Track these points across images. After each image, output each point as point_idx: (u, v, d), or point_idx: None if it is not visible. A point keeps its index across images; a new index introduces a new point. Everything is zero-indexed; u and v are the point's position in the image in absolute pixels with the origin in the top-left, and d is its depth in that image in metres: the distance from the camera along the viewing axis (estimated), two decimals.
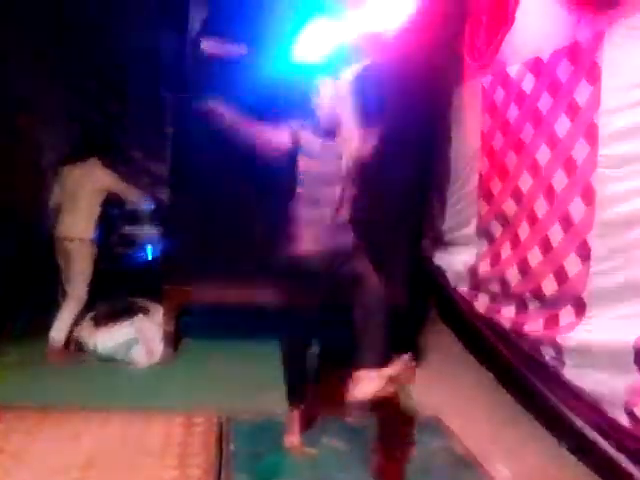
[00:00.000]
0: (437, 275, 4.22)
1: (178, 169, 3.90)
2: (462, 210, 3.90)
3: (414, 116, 3.88)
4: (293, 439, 2.69)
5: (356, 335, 2.38)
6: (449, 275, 4.02)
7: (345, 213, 2.65)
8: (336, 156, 2.63)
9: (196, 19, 3.74)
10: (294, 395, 2.69)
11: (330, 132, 2.65)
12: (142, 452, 2.56)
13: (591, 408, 2.52)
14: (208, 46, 3.59)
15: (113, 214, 4.21)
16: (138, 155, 4.94)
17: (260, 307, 3.68)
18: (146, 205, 4.48)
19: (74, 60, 4.51)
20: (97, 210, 3.78)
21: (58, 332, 3.63)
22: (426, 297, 4.56)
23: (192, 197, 3.71)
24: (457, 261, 3.92)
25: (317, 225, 2.58)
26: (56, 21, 4.39)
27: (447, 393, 3.52)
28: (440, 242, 4.24)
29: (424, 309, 4.64)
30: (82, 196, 3.71)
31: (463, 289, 3.78)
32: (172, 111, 4.52)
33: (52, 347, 3.62)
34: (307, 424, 2.81)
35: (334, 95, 2.65)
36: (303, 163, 2.61)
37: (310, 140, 2.63)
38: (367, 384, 2.20)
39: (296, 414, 2.71)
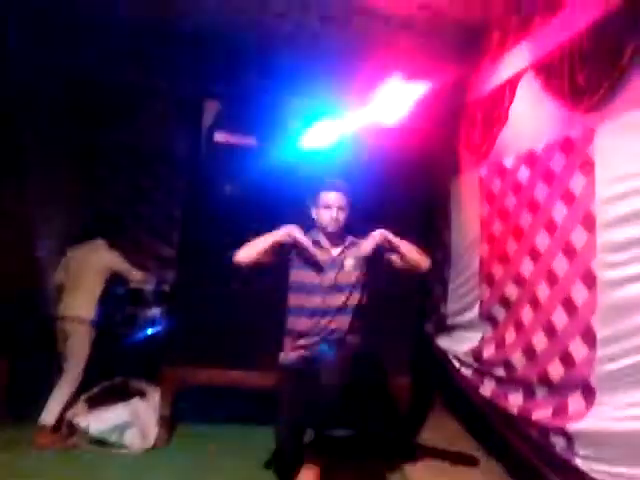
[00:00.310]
0: (441, 359, 4.15)
1: (186, 253, 3.99)
2: (465, 294, 3.93)
3: (414, 203, 4.03)
4: None
5: None
6: (453, 359, 3.96)
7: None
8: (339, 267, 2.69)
9: (210, 114, 3.97)
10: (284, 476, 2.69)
11: (333, 237, 2.72)
12: None
13: None
14: (221, 137, 3.81)
15: (117, 293, 4.21)
16: (147, 239, 5.07)
17: (259, 391, 3.66)
18: (150, 286, 4.51)
19: (92, 150, 4.73)
20: (99, 291, 3.80)
21: (49, 413, 3.51)
22: (431, 382, 4.46)
23: (198, 280, 3.77)
24: (461, 345, 3.88)
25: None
26: (75, 112, 4.64)
27: None
28: (443, 326, 4.22)
29: (429, 394, 4.53)
30: (85, 276, 3.75)
31: (468, 373, 3.71)
32: (183, 197, 4.72)
33: (41, 429, 3.49)
34: None
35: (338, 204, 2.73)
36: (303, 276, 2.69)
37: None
38: None
39: None
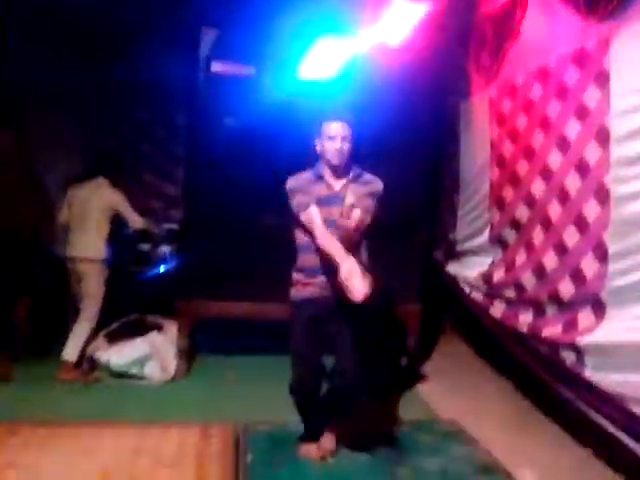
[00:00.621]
0: (451, 285, 4.19)
1: (192, 189, 3.96)
2: (474, 219, 3.91)
3: (422, 128, 3.94)
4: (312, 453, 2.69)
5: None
6: (463, 284, 3.99)
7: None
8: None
9: (207, 42, 3.81)
10: (309, 433, 2.74)
11: (338, 170, 2.64)
12: (158, 463, 2.52)
13: (616, 409, 2.46)
14: (218, 67, 3.67)
15: (126, 233, 4.23)
16: (151, 178, 5.03)
17: (273, 322, 3.72)
18: (153, 229, 4.49)
19: (89, 89, 4.61)
20: (106, 229, 3.78)
21: (70, 351, 3.62)
22: (440, 307, 4.53)
23: (206, 215, 3.75)
24: (471, 270, 3.90)
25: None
26: (70, 50, 4.48)
27: (465, 402, 3.48)
28: (453, 252, 4.23)
29: (439, 319, 4.62)
30: (89, 215, 3.74)
31: (478, 296, 3.75)
32: (185, 134, 4.64)
33: (64, 366, 3.61)
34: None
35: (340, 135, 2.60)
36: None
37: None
38: None
39: (311, 447, 2.71)
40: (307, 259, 2.66)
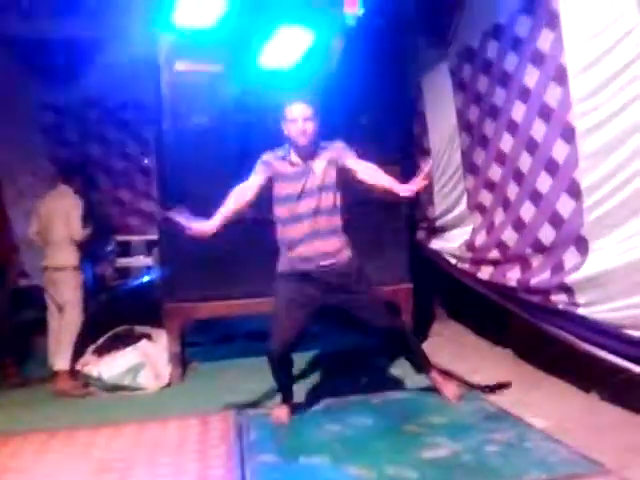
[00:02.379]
0: (437, 260, 4.20)
1: (166, 196, 3.92)
2: (450, 191, 3.95)
3: (388, 107, 4.00)
4: (282, 415, 2.76)
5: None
6: (449, 257, 4.01)
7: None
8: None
9: (166, 47, 3.82)
10: (286, 395, 2.86)
11: (304, 150, 2.69)
12: (159, 452, 2.44)
13: (614, 339, 2.46)
14: (181, 66, 3.70)
15: (105, 249, 4.18)
16: (128, 196, 5.02)
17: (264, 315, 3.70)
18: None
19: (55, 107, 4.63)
20: (78, 235, 3.68)
21: (61, 360, 3.54)
22: (430, 287, 4.52)
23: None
24: (454, 242, 3.93)
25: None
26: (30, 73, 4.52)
27: (466, 370, 3.44)
28: (434, 229, 4.26)
29: (429, 299, 4.61)
30: (55, 224, 3.69)
31: (465, 265, 3.76)
32: (154, 143, 4.65)
33: (58, 375, 3.53)
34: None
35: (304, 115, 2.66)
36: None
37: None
38: None
39: (286, 408, 2.82)
40: (284, 231, 2.74)
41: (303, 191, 2.67)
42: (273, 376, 2.77)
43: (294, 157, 2.73)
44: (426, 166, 2.59)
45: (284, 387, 2.83)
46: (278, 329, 2.66)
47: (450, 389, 2.92)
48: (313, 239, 2.66)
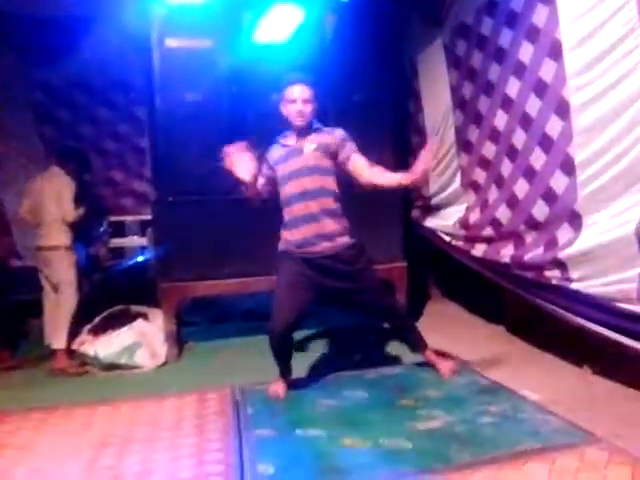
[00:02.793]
0: (431, 238, 4.22)
1: (160, 173, 3.90)
2: (445, 169, 3.95)
3: (383, 85, 3.97)
4: (279, 390, 2.79)
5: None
6: (443, 234, 4.02)
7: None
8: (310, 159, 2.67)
9: (158, 22, 3.75)
10: (284, 372, 2.87)
11: (302, 131, 2.68)
12: (156, 428, 2.46)
13: (607, 312, 2.49)
14: (173, 42, 3.65)
15: (99, 229, 4.16)
16: (121, 176, 4.98)
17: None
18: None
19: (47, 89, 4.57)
20: (70, 215, 3.67)
21: (57, 337, 3.55)
22: (424, 266, 4.55)
23: (178, 195, 3.72)
24: (448, 220, 3.94)
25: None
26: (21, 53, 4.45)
27: (461, 347, 3.47)
28: (429, 208, 4.26)
29: (424, 278, 4.64)
30: (45, 204, 3.68)
31: (459, 243, 3.78)
32: (147, 123, 4.60)
33: (57, 354, 3.55)
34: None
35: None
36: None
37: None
38: None
39: (283, 383, 2.85)
40: (287, 212, 2.73)
41: (292, 172, 2.67)
42: (273, 354, 2.77)
43: (287, 139, 2.75)
44: (430, 143, 2.59)
45: (283, 364, 2.85)
46: (279, 310, 2.65)
47: (445, 366, 2.95)
48: (307, 221, 2.65)
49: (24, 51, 4.50)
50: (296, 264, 2.69)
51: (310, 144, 2.68)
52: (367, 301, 2.82)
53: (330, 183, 2.70)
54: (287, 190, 2.69)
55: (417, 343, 2.98)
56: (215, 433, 2.35)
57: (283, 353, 2.81)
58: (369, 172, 2.63)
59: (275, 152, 2.76)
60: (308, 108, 2.66)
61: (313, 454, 2.12)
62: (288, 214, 2.71)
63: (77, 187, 3.73)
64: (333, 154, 2.70)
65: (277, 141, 2.78)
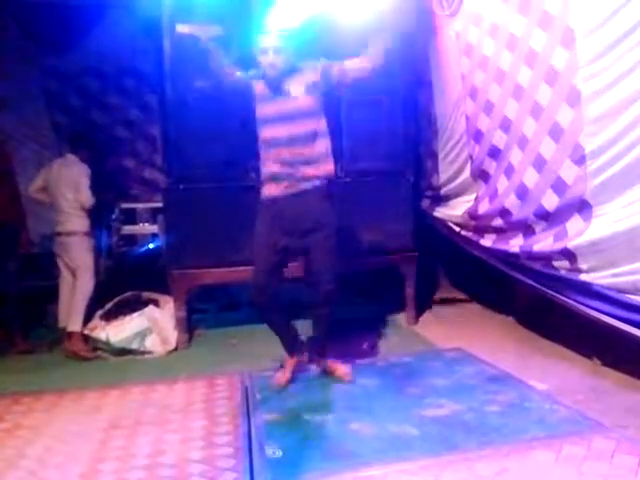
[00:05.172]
0: (441, 228, 4.22)
1: (172, 160, 3.92)
2: (455, 159, 3.93)
3: (395, 74, 3.94)
4: (282, 378, 2.77)
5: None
6: (452, 224, 4.02)
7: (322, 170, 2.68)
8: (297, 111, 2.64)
9: (169, 8, 3.75)
10: (289, 348, 2.86)
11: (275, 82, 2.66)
12: (166, 411, 2.51)
13: (617, 303, 2.48)
14: (183, 29, 3.64)
15: (110, 216, 4.20)
16: (133, 164, 5.02)
17: None
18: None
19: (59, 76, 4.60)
20: (88, 202, 3.73)
21: (73, 320, 3.63)
22: (433, 256, 4.55)
23: (189, 182, 3.75)
24: (457, 209, 3.93)
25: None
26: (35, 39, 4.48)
27: (469, 337, 3.50)
28: (438, 198, 4.25)
29: (433, 268, 4.64)
30: (60, 191, 3.74)
31: (468, 233, 3.77)
32: (158, 111, 4.62)
33: (73, 336, 3.61)
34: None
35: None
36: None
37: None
38: None
39: (292, 360, 2.84)
40: (267, 156, 2.69)
41: (278, 114, 2.64)
42: (270, 328, 2.77)
43: (266, 87, 2.72)
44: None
45: (284, 340, 2.81)
46: (254, 274, 2.69)
47: (343, 370, 2.82)
48: (292, 165, 2.62)
49: (36, 38, 4.54)
50: (266, 226, 2.70)
51: (298, 87, 2.65)
52: (316, 268, 2.69)
53: (321, 125, 2.68)
54: (272, 133, 2.65)
55: (323, 349, 2.85)
56: (224, 417, 2.40)
57: (276, 324, 2.76)
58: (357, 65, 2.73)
59: (258, 87, 2.73)
60: (279, 60, 2.64)
61: (320, 438, 2.15)
62: (269, 156, 2.67)
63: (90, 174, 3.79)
64: (329, 85, 2.69)
65: (260, 76, 2.74)
